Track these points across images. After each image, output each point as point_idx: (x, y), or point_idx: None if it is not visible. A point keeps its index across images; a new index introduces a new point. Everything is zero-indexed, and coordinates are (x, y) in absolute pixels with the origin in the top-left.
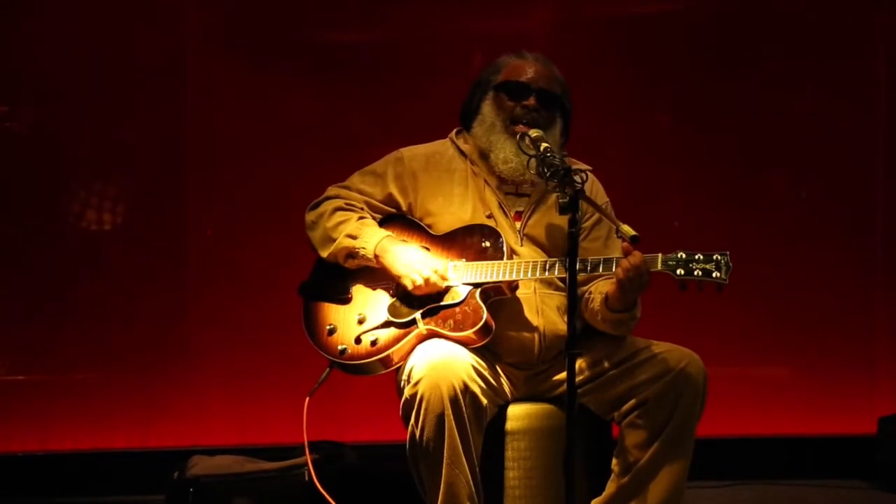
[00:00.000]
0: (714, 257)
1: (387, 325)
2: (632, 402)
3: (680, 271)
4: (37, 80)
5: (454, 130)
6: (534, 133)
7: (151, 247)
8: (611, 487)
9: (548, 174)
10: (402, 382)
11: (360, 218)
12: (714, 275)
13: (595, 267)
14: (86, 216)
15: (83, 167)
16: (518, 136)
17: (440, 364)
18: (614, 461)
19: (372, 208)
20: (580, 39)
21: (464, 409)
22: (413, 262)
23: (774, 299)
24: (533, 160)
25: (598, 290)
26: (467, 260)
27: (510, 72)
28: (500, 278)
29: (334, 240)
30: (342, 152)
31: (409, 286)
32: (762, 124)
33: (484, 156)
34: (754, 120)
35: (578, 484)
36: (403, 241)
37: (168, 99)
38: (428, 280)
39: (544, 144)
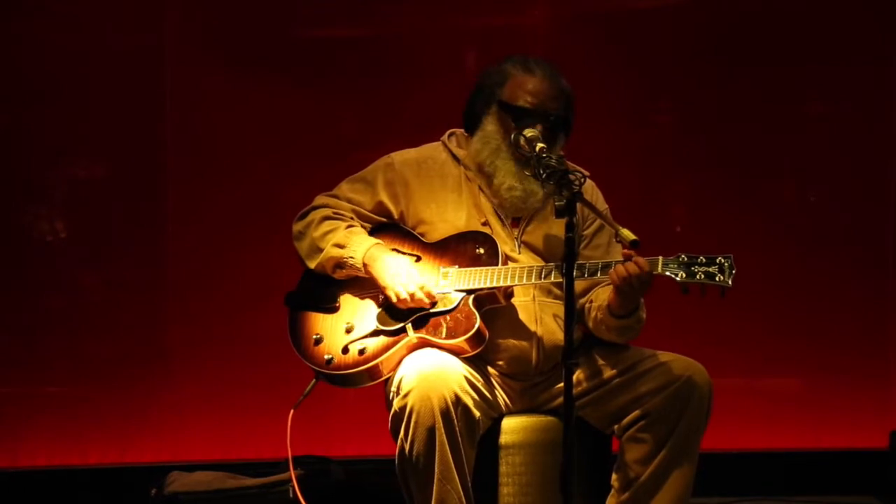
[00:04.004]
0: (717, 260)
1: (376, 333)
2: (633, 414)
3: (682, 275)
4: (10, 82)
5: (446, 133)
6: (529, 133)
7: (129, 256)
8: None
9: (544, 175)
10: (391, 394)
11: (349, 227)
12: (717, 278)
13: (594, 272)
14: (60, 224)
15: (57, 173)
16: (512, 136)
17: (431, 375)
18: (614, 477)
19: (362, 217)
20: (578, 36)
21: (455, 422)
22: (400, 274)
23: (781, 307)
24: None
25: (599, 297)
26: (460, 267)
27: (516, 89)
28: (495, 284)
29: (322, 250)
30: (331, 156)
31: (394, 299)
32: (769, 126)
33: (484, 173)
34: (761, 121)
35: (576, 501)
36: (394, 250)
37: (146, 101)
38: (413, 296)
39: (540, 145)
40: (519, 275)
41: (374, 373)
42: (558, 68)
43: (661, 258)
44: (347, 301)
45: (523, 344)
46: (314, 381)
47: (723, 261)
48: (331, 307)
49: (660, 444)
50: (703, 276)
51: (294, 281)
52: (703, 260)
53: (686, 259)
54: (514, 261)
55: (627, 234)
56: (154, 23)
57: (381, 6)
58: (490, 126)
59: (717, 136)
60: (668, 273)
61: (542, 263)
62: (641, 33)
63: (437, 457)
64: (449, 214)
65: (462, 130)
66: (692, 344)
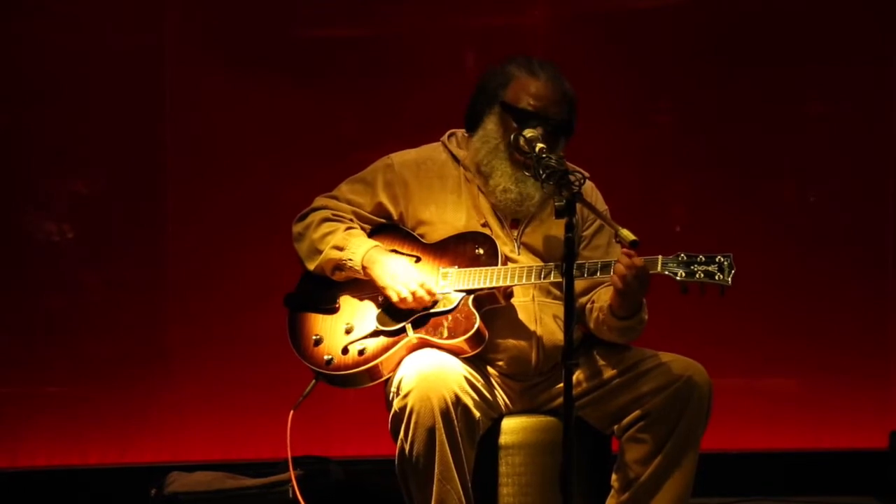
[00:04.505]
0: (717, 259)
1: (375, 334)
2: (633, 415)
3: (681, 273)
4: (10, 82)
5: (446, 134)
6: (529, 133)
7: (129, 256)
8: None
9: (543, 176)
10: (391, 395)
11: (348, 228)
12: (717, 277)
13: (593, 272)
14: (61, 225)
15: (57, 173)
16: (512, 136)
17: (431, 375)
18: (614, 477)
19: (361, 219)
20: (578, 36)
21: (455, 422)
22: (400, 274)
23: (781, 307)
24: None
25: (601, 298)
26: (460, 267)
27: (519, 91)
28: (494, 284)
29: (321, 252)
30: (331, 156)
31: (395, 298)
32: (769, 126)
33: (481, 173)
34: (761, 121)
35: (576, 501)
36: (393, 251)
37: (146, 101)
38: (414, 294)
39: (539, 145)
40: (518, 275)
41: (373, 373)
42: (561, 71)
43: (660, 257)
44: (347, 302)
45: (523, 344)
46: (314, 381)
47: (722, 260)
48: (330, 308)
49: (660, 445)
50: (702, 274)
51: (294, 281)
52: (703, 259)
53: (685, 258)
54: (514, 262)
55: (627, 234)
56: (154, 23)
57: (381, 6)
58: (490, 125)
59: (717, 136)
60: (667, 272)
61: (541, 264)
62: (641, 33)
63: (436, 457)
64: (448, 215)
65: (462, 131)
66: (692, 344)
